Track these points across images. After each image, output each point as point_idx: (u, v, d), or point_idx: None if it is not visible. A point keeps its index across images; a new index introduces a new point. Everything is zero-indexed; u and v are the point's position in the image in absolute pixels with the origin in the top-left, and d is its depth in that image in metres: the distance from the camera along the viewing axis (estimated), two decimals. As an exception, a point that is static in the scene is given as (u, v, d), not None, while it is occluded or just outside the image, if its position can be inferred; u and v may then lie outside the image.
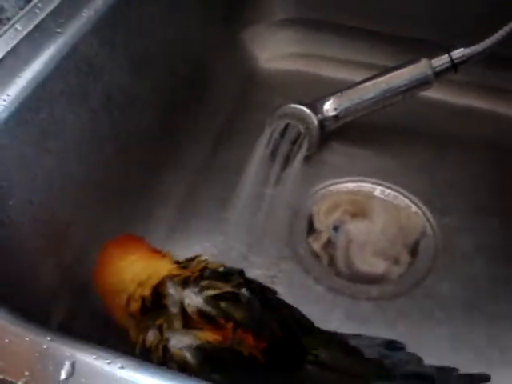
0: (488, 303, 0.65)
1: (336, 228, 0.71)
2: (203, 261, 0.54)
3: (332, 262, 0.69)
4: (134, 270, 0.52)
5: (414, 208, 0.73)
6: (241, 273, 0.53)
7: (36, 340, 0.41)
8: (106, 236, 0.62)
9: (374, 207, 0.71)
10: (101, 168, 0.63)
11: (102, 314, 0.57)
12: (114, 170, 0.65)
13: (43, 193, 0.56)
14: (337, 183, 0.76)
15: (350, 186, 0.75)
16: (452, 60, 0.74)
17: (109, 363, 0.40)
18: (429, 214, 0.72)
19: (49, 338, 0.41)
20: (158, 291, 0.50)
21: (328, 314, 0.64)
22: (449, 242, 0.70)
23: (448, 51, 0.74)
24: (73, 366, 0.39)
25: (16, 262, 0.54)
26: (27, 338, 0.41)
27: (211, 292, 0.50)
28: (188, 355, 0.47)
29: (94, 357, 0.40)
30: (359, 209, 0.72)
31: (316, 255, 0.69)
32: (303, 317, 0.55)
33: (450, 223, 0.72)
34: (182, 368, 0.47)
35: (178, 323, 0.48)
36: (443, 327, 0.64)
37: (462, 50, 0.73)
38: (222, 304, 0.49)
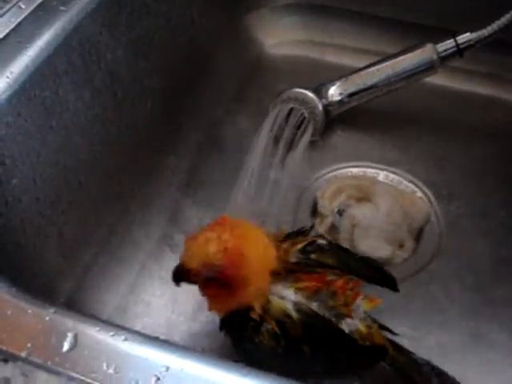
0: (492, 288, 0.65)
1: (340, 212, 0.70)
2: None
3: (336, 245, 0.69)
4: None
5: (418, 193, 0.73)
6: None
7: (39, 312, 0.41)
8: (107, 216, 0.62)
9: (379, 192, 0.71)
10: (104, 147, 0.62)
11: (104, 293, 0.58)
12: (118, 149, 0.65)
13: (46, 172, 0.56)
14: (341, 168, 0.75)
15: (355, 170, 0.75)
16: (457, 45, 0.73)
17: (112, 335, 0.39)
18: (433, 200, 0.72)
19: (52, 311, 0.41)
20: None
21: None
22: (453, 227, 0.70)
23: (453, 36, 0.74)
24: (75, 337, 0.39)
25: (19, 240, 0.54)
26: (30, 311, 0.41)
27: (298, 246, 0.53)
28: (289, 307, 0.50)
29: (97, 329, 0.40)
30: (363, 193, 0.72)
31: (320, 239, 0.69)
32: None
33: (455, 209, 0.72)
34: (281, 323, 0.49)
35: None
36: (447, 312, 0.63)
37: (467, 34, 0.73)
38: (312, 255, 0.53)
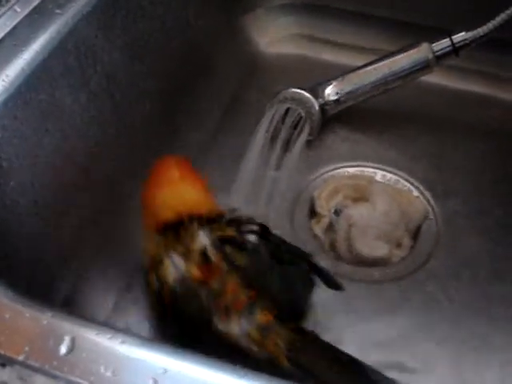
0: (490, 285, 0.65)
1: (337, 212, 0.71)
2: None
3: (333, 245, 0.69)
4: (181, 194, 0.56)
5: (415, 192, 0.73)
6: (263, 226, 0.55)
7: (36, 316, 0.41)
8: (105, 218, 0.62)
9: (376, 192, 0.71)
10: (101, 150, 0.62)
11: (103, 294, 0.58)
12: (115, 151, 0.65)
13: (44, 174, 0.56)
14: (338, 168, 0.75)
15: (351, 170, 0.75)
16: (453, 44, 0.74)
17: (109, 338, 0.40)
18: (430, 198, 0.72)
19: (49, 314, 0.41)
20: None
21: (329, 297, 0.63)
22: (450, 225, 0.70)
23: (449, 35, 0.74)
24: (73, 341, 0.39)
25: (17, 243, 0.54)
26: (27, 314, 0.41)
27: (219, 233, 0.53)
28: (174, 285, 0.51)
29: (94, 332, 0.40)
30: (360, 193, 0.72)
31: (317, 239, 0.69)
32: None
33: (452, 207, 0.72)
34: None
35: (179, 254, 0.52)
36: (444, 310, 0.64)
37: (463, 34, 0.73)
38: (227, 248, 0.52)
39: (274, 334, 0.50)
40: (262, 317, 0.51)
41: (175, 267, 0.52)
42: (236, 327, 0.50)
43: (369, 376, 0.51)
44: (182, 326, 0.52)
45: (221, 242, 0.53)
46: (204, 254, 0.52)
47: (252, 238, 0.54)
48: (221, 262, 0.52)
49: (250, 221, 0.55)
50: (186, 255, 0.52)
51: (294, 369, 0.50)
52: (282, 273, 0.54)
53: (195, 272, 0.51)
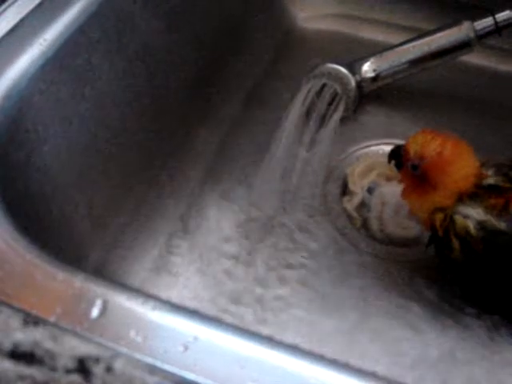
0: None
1: (370, 190, 0.70)
2: None
3: (365, 223, 0.68)
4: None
5: (449, 173, 0.72)
6: None
7: (69, 278, 0.41)
8: (137, 186, 0.62)
9: (410, 171, 0.70)
10: (136, 117, 0.62)
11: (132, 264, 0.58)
12: (149, 120, 0.64)
13: (78, 140, 0.56)
14: (372, 145, 0.74)
15: (386, 148, 0.74)
16: (496, 23, 0.72)
17: (141, 303, 0.39)
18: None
19: (82, 277, 0.41)
20: None
21: (359, 274, 0.63)
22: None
23: (492, 14, 0.72)
24: (105, 304, 0.39)
25: (50, 207, 0.54)
26: (60, 277, 0.41)
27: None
28: (471, 226, 0.53)
29: (126, 297, 0.40)
30: (394, 172, 0.71)
31: (349, 217, 0.69)
32: None
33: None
34: (466, 244, 0.53)
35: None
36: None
37: (507, 12, 0.71)
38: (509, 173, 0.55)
39: None
40: None
41: (469, 217, 0.53)
42: None
43: None
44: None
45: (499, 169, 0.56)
46: (490, 186, 0.54)
47: None
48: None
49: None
50: (472, 203, 0.54)
51: None
52: None
53: (492, 201, 0.53)
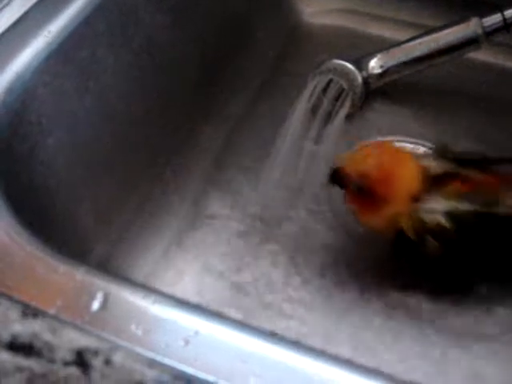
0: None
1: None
2: None
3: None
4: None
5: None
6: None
7: (70, 271, 0.41)
8: (142, 182, 0.62)
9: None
10: (142, 111, 0.62)
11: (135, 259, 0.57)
12: (155, 115, 0.64)
13: (82, 133, 0.56)
14: (378, 142, 0.74)
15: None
16: (505, 19, 0.71)
17: (142, 297, 0.39)
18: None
19: (83, 270, 0.41)
20: None
21: (359, 263, 0.63)
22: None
23: (501, 10, 0.71)
24: (106, 298, 0.39)
25: (53, 200, 0.54)
26: (61, 269, 0.41)
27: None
28: (441, 217, 0.53)
29: (127, 290, 0.40)
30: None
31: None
32: None
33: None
34: (441, 237, 0.53)
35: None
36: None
37: (516, 9, 0.71)
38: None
39: None
40: None
41: (435, 211, 0.53)
42: None
43: None
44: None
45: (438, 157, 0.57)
46: (439, 176, 0.55)
47: None
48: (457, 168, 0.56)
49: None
50: (432, 197, 0.54)
51: None
52: None
53: (448, 188, 0.54)
